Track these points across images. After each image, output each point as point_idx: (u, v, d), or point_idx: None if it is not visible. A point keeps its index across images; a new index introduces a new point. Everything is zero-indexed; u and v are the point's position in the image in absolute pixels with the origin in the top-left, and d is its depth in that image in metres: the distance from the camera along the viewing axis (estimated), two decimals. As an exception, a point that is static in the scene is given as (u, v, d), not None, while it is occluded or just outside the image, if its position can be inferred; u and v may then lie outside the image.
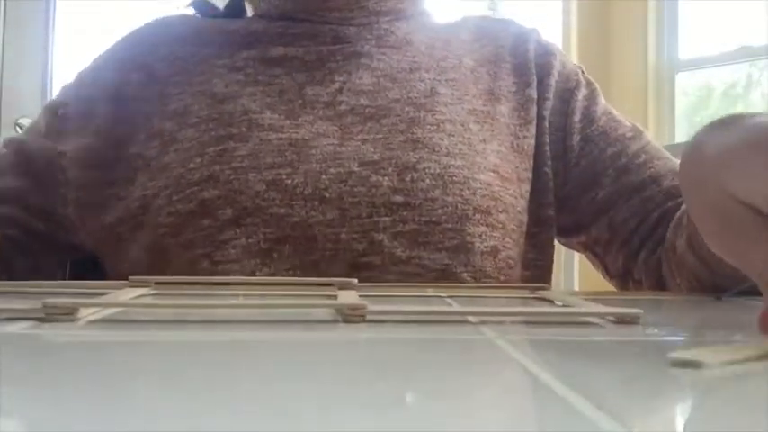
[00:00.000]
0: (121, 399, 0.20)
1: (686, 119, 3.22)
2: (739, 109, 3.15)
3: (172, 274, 0.59)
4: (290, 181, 0.62)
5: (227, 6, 0.78)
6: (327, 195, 0.61)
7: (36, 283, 0.51)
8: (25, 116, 2.10)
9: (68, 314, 0.34)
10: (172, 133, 0.65)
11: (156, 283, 0.50)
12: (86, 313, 0.35)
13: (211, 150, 0.63)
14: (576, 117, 0.72)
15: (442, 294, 0.50)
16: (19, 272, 0.68)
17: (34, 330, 0.32)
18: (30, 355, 0.28)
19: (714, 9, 3.07)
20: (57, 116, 0.70)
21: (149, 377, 0.23)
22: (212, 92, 0.66)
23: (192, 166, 0.62)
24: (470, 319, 0.36)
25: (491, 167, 0.66)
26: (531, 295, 0.52)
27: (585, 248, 0.75)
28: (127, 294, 0.43)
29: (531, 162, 0.70)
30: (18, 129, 2.14)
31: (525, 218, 0.68)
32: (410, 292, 0.53)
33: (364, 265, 0.61)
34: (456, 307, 0.43)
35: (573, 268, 1.75)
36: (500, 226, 0.64)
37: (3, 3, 2.33)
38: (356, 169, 0.62)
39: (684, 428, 0.19)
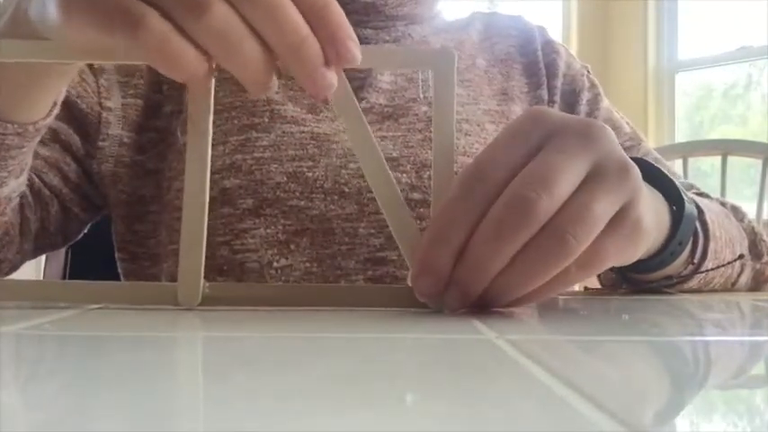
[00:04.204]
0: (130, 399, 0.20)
1: (686, 119, 3.22)
2: (739, 109, 3.15)
3: None
4: (310, 174, 0.62)
5: None
6: (347, 190, 0.62)
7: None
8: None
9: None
10: None
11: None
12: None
13: (233, 139, 0.63)
14: None
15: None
16: (43, 223, 0.66)
17: (34, 330, 0.32)
18: (30, 354, 0.28)
19: (714, 9, 3.08)
20: (102, 70, 0.69)
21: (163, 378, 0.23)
22: (236, 79, 0.67)
23: (214, 153, 0.63)
24: (470, 317, 0.36)
25: None
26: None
27: None
28: None
29: None
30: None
31: None
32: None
33: (380, 260, 0.62)
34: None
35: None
36: None
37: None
38: None
39: (684, 428, 0.19)
